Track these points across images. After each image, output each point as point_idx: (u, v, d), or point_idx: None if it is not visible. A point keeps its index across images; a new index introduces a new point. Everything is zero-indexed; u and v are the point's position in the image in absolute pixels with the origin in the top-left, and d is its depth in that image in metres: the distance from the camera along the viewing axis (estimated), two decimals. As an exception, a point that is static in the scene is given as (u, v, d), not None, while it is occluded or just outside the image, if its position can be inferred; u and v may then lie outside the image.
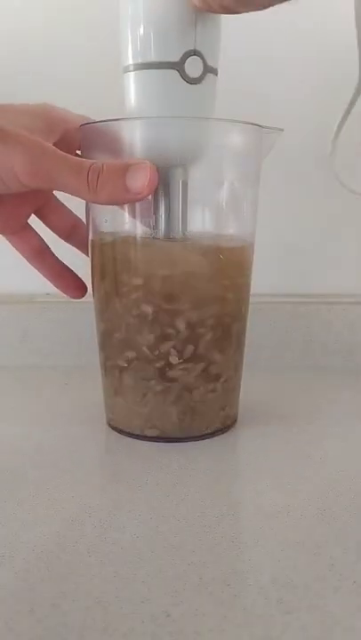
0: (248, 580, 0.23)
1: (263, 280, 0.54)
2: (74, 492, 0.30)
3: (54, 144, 0.31)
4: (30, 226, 0.38)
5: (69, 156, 0.30)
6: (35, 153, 0.29)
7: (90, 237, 0.36)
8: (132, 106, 0.33)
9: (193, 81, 0.31)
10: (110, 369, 0.37)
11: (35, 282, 0.53)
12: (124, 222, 0.34)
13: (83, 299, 0.40)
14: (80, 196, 0.30)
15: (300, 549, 0.25)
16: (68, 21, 0.50)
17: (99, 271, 0.36)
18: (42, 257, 0.38)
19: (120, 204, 0.32)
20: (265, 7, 0.29)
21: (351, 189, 0.45)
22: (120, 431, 0.37)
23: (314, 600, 0.22)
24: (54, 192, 0.38)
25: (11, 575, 0.24)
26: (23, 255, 0.38)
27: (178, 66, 0.31)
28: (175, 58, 0.31)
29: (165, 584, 0.23)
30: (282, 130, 0.35)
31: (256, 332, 0.53)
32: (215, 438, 0.37)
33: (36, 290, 0.54)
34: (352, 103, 0.42)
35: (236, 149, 0.34)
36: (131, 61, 0.32)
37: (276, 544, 0.26)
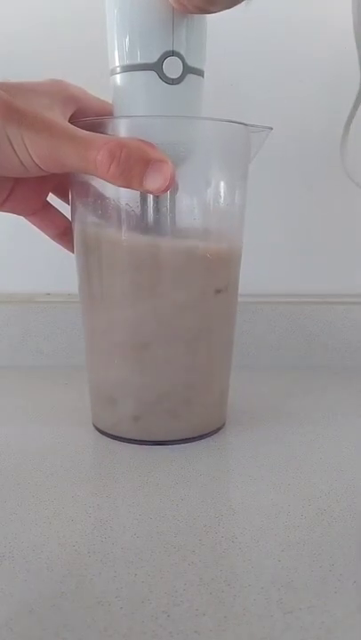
0: (248, 580, 0.23)
1: (263, 280, 0.54)
2: (74, 492, 0.30)
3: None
4: (51, 204, 0.37)
5: (83, 136, 0.29)
6: (48, 135, 0.28)
7: (75, 230, 0.36)
8: (117, 107, 0.34)
9: (172, 81, 0.32)
10: (97, 369, 0.37)
11: (35, 282, 0.54)
12: (109, 213, 0.33)
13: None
14: (95, 175, 0.30)
15: (300, 549, 0.25)
16: (65, 22, 0.50)
17: (84, 270, 0.36)
18: (68, 235, 0.37)
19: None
20: (233, 5, 0.29)
21: None
22: (105, 433, 0.37)
23: (314, 600, 0.22)
24: None
25: (11, 575, 0.24)
26: (48, 235, 0.38)
27: (156, 67, 0.31)
28: (153, 59, 0.31)
29: (165, 584, 0.23)
30: (271, 128, 0.35)
31: (256, 332, 0.53)
32: (212, 439, 0.37)
33: (36, 290, 0.54)
34: (357, 103, 0.42)
35: (222, 148, 0.34)
36: (113, 64, 0.33)
37: (276, 544, 0.26)
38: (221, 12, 0.30)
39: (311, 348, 0.53)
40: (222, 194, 0.34)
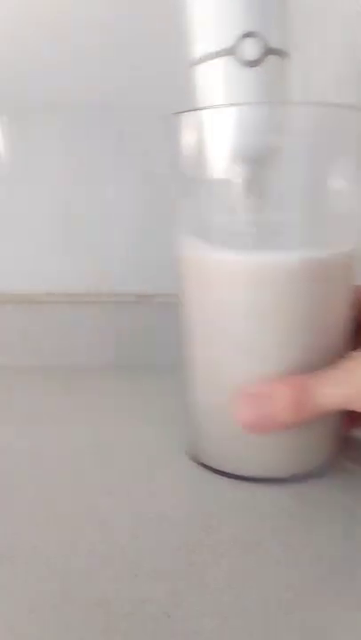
0: (249, 581, 0.23)
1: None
2: (74, 492, 0.30)
3: None
4: None
5: None
6: None
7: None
8: (199, 100, 0.31)
9: (250, 64, 0.29)
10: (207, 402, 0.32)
11: (35, 282, 0.53)
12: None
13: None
14: None
15: (300, 550, 0.25)
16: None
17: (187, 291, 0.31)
18: None
19: None
20: None
21: None
22: (212, 469, 0.32)
23: (315, 600, 0.22)
24: None
25: (11, 575, 0.24)
26: None
27: (232, 51, 0.29)
28: (229, 43, 0.29)
29: (165, 584, 0.23)
30: None
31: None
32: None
33: (36, 290, 0.54)
34: None
35: (330, 139, 0.29)
36: (192, 56, 0.30)
37: (276, 544, 0.26)
38: None
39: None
40: (335, 193, 0.29)
